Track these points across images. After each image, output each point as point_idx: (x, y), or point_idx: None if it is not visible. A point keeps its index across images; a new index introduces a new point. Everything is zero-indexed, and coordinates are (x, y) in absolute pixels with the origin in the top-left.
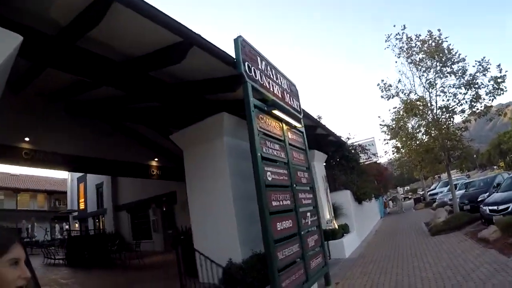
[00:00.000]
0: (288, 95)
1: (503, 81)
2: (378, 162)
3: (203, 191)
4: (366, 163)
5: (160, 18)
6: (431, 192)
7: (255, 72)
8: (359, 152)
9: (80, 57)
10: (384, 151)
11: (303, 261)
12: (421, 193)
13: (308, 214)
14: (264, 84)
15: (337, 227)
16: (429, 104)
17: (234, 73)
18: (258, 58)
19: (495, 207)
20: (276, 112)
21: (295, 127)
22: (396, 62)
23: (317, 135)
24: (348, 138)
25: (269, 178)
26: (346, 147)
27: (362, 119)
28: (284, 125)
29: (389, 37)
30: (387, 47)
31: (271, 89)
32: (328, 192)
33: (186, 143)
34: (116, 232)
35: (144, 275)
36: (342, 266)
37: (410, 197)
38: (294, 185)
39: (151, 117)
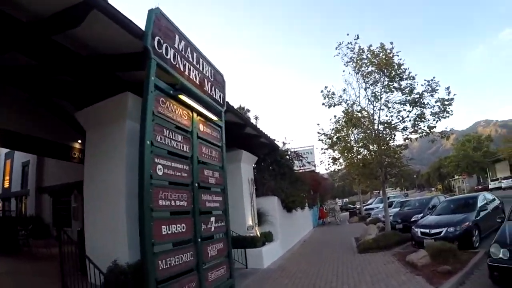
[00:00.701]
0: (209, 83)
1: (450, 104)
2: (316, 171)
3: (98, 181)
4: (301, 171)
5: None
6: (367, 206)
7: (167, 50)
8: (294, 159)
9: None
10: (320, 161)
11: (198, 272)
12: (358, 206)
13: (212, 219)
14: (177, 65)
15: (258, 234)
16: (371, 118)
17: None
18: (176, 36)
19: (427, 230)
20: (184, 98)
21: (211, 120)
22: (343, 71)
23: (247, 135)
24: (284, 143)
25: (159, 172)
26: (280, 151)
27: (306, 127)
28: (195, 115)
29: (340, 44)
30: (337, 55)
31: (186, 72)
32: (253, 196)
33: (88, 124)
34: (36, 216)
35: (36, 267)
36: (256, 278)
37: (351, 209)
38: (196, 185)
39: (67, 93)
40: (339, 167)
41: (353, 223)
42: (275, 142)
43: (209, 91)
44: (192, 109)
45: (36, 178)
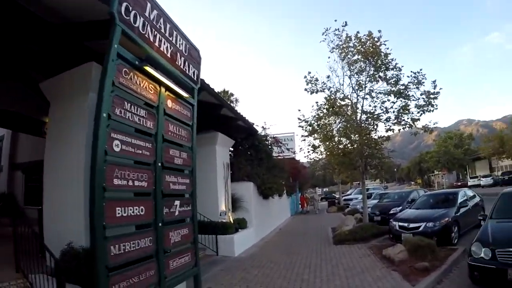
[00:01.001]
0: (182, 58)
1: (436, 98)
2: (296, 159)
3: (57, 157)
4: (280, 157)
5: None
6: (346, 197)
7: (135, 18)
8: (273, 145)
9: None
10: (300, 148)
11: (157, 259)
12: (337, 196)
13: (177, 202)
14: (147, 35)
15: (232, 221)
16: (354, 106)
17: None
18: (148, 5)
19: (406, 224)
20: (150, 70)
21: (181, 96)
22: (329, 57)
23: (224, 117)
24: (264, 128)
25: (116, 149)
26: (258, 136)
27: (290, 114)
28: (163, 90)
29: (327, 30)
30: (323, 41)
31: (156, 43)
32: (228, 181)
33: (51, 95)
34: (9, 194)
35: None
36: (226, 266)
37: (331, 198)
38: (159, 164)
39: (37, 63)
40: (320, 156)
41: (331, 213)
42: (254, 126)
43: (182, 66)
44: (160, 83)
45: (10, 154)
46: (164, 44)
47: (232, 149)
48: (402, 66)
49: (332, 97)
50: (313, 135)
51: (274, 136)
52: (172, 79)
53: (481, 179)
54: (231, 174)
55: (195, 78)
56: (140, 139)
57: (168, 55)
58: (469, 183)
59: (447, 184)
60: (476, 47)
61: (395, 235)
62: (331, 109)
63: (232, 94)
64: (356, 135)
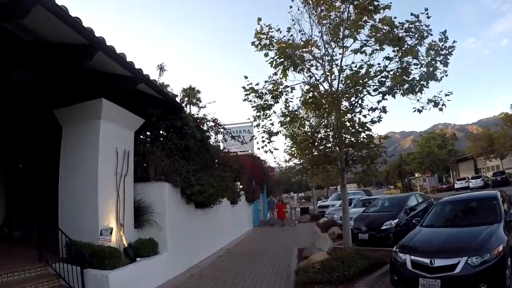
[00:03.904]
0: None
1: (450, 54)
2: (260, 158)
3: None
4: (236, 153)
5: None
6: (321, 204)
7: None
8: (211, 131)
9: None
10: (252, 136)
11: None
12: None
13: None
14: None
15: (125, 243)
16: (326, 62)
17: None
18: None
19: (426, 260)
20: None
21: None
22: (291, 7)
23: (118, 79)
24: (196, 105)
25: None
26: (184, 115)
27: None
28: None
29: None
30: None
31: None
32: (128, 179)
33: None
34: None
35: None
36: None
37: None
38: None
39: None
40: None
41: (302, 223)
42: (175, 97)
43: None
44: None
45: None
46: None
47: (149, 134)
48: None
49: (291, 43)
50: (265, 113)
51: (214, 118)
52: None
53: (471, 181)
54: (144, 171)
55: None
56: None
57: None
58: (456, 186)
59: (429, 188)
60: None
61: (404, 280)
62: (287, 60)
63: (198, 91)
64: (333, 113)
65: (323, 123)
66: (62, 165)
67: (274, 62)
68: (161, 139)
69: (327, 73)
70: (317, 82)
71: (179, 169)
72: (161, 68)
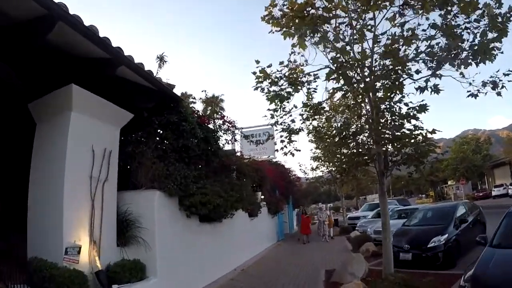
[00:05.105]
0: None
1: (509, 20)
2: (282, 164)
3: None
4: (256, 159)
5: None
6: (352, 215)
7: None
8: (219, 130)
9: None
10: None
11: None
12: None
13: None
14: None
15: (99, 266)
16: (355, 27)
17: None
18: None
19: None
20: None
21: None
22: None
23: (97, 63)
24: (223, 114)
25: None
26: (183, 108)
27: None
28: None
29: None
30: None
31: None
32: (110, 186)
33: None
34: None
35: None
36: None
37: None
38: None
39: None
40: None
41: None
42: (170, 87)
43: None
44: None
45: None
46: None
47: (141, 133)
48: None
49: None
50: (283, 105)
51: (223, 115)
52: None
53: (509, 187)
54: (135, 177)
55: None
56: None
57: None
58: (493, 193)
59: (464, 196)
60: None
61: None
62: (312, 35)
63: (222, 100)
64: (366, 103)
65: (357, 112)
66: (33, 168)
67: (288, 32)
68: (157, 138)
69: (359, 33)
70: (345, 44)
71: (174, 174)
72: (161, 59)
